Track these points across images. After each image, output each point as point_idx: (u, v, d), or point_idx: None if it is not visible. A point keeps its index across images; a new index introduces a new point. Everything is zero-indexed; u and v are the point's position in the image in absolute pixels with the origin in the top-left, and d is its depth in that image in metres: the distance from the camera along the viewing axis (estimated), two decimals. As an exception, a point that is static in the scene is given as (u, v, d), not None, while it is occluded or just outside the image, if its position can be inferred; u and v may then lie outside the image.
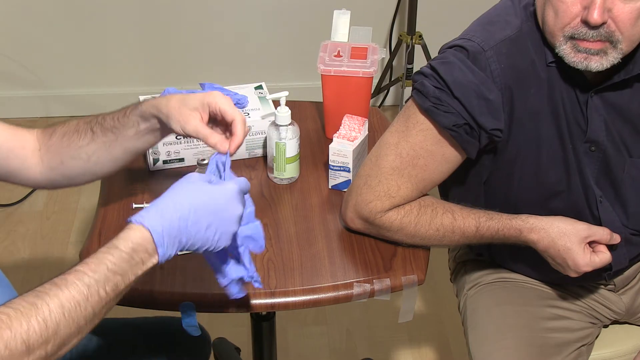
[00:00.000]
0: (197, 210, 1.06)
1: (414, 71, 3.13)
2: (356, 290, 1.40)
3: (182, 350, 1.54)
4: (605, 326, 1.64)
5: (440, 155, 1.39)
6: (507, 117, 1.37)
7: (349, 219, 1.48)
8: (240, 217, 1.11)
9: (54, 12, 3.08)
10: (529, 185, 1.45)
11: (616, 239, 1.43)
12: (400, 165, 1.40)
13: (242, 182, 1.12)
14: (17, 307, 0.96)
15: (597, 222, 1.46)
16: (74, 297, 0.98)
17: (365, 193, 1.43)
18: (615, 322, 1.64)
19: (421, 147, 1.39)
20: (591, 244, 1.43)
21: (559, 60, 1.34)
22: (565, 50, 1.31)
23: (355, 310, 2.44)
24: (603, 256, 1.41)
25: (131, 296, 1.34)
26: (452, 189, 1.54)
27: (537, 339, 1.50)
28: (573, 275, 1.43)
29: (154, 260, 1.05)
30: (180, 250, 1.07)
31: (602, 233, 1.42)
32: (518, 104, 1.37)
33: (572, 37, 1.29)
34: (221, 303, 1.38)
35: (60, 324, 0.97)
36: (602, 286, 1.59)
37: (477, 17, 1.45)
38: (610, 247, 1.44)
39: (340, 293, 1.40)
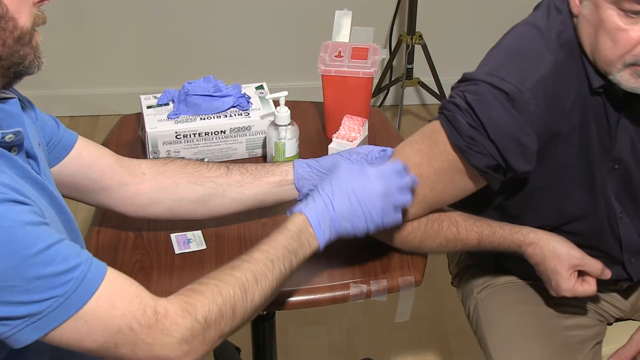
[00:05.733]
0: (339, 193, 1.22)
1: (414, 71, 3.16)
2: (353, 290, 1.39)
3: None
4: (609, 323, 1.64)
5: (462, 184, 1.36)
6: (537, 154, 1.34)
7: None
8: (386, 194, 1.24)
9: (54, 12, 3.07)
10: (546, 212, 1.44)
11: (607, 274, 1.44)
12: (417, 186, 1.36)
13: (387, 165, 1.26)
14: (220, 278, 1.12)
15: (617, 237, 1.46)
16: (262, 271, 1.15)
17: None
18: (618, 319, 1.64)
19: (444, 174, 1.34)
20: (583, 272, 1.44)
21: (604, 85, 1.32)
22: (624, 76, 1.27)
23: (356, 310, 2.44)
24: (588, 288, 1.43)
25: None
26: (460, 205, 1.50)
27: (558, 338, 1.49)
28: (553, 294, 1.45)
29: (316, 244, 1.22)
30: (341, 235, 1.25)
31: (593, 266, 1.43)
32: (555, 145, 1.35)
33: (632, 64, 1.26)
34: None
35: (255, 293, 1.13)
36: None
37: (486, 31, 1.43)
38: (627, 260, 1.46)
39: (337, 293, 1.39)
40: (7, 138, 1.04)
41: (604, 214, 1.44)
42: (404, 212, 1.36)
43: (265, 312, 1.68)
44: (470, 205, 1.46)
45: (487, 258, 1.60)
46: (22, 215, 0.96)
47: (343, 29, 1.75)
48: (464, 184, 1.35)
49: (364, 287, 1.40)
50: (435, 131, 1.33)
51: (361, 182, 1.23)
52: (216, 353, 2.16)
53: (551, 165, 1.38)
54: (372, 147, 1.38)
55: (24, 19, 1.04)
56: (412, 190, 1.29)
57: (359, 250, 1.47)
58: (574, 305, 1.56)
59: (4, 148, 1.04)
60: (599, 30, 1.26)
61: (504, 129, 1.27)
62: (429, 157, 1.33)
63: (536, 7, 1.44)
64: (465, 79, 1.34)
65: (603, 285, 1.51)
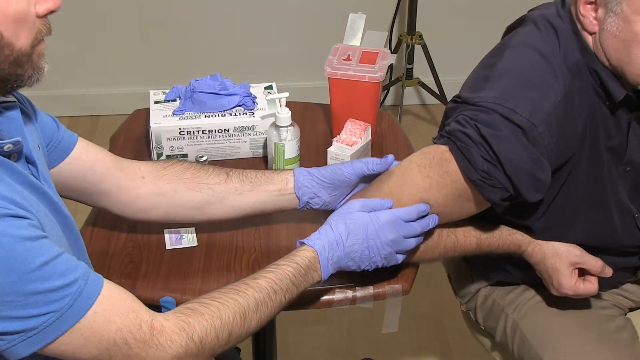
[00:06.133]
0: (351, 235, 1.25)
1: (414, 71, 3.15)
2: (337, 296, 1.38)
3: None
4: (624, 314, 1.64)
5: (468, 209, 1.35)
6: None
7: None
8: (394, 242, 1.27)
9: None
10: (555, 235, 1.43)
11: (608, 272, 1.44)
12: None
13: (400, 211, 1.28)
14: (223, 301, 1.13)
15: (636, 237, 1.46)
16: (264, 299, 1.16)
17: None
18: (631, 309, 1.64)
19: (452, 201, 1.33)
20: (584, 271, 1.44)
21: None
22: None
23: (356, 310, 2.44)
24: (589, 286, 1.43)
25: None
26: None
27: (616, 344, 1.48)
28: (555, 293, 1.45)
29: (318, 278, 1.25)
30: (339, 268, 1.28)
31: (593, 263, 1.43)
32: (564, 168, 1.35)
33: None
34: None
35: (252, 320, 1.15)
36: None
37: (492, 52, 1.40)
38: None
39: (321, 298, 1.38)
40: (5, 148, 1.04)
41: (614, 225, 1.43)
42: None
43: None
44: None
45: (515, 272, 1.57)
46: (21, 230, 0.97)
47: (356, 32, 1.74)
48: (469, 209, 1.34)
49: (350, 293, 1.39)
50: (446, 159, 1.30)
51: (374, 230, 1.26)
52: (216, 353, 2.16)
53: (564, 185, 1.37)
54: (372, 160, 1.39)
55: (22, 41, 1.02)
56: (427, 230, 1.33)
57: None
58: (603, 307, 1.55)
59: (3, 156, 1.04)
60: (632, 44, 1.26)
61: (521, 163, 1.25)
62: (439, 185, 1.31)
63: (521, 22, 1.42)
64: (470, 103, 1.31)
65: (622, 275, 1.51)
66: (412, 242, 1.30)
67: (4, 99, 1.09)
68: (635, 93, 1.35)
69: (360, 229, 1.25)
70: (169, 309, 1.34)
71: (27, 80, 1.06)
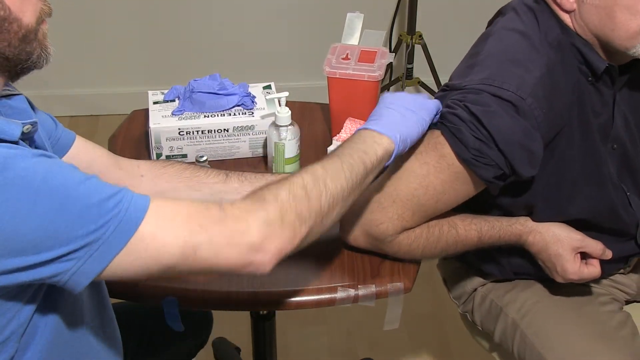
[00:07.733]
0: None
1: (414, 71, 3.15)
2: (340, 294, 1.38)
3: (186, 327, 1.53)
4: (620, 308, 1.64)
5: (465, 193, 1.35)
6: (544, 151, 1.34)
7: (352, 238, 1.41)
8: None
9: (55, 12, 3.08)
10: (553, 214, 1.43)
11: (608, 254, 1.44)
12: (422, 196, 1.34)
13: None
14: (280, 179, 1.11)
15: (631, 215, 1.47)
16: (328, 162, 1.18)
17: (377, 212, 1.36)
18: (627, 302, 1.65)
19: (450, 186, 1.34)
20: (585, 255, 1.44)
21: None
22: None
23: (356, 310, 2.44)
24: (593, 270, 1.43)
25: (116, 289, 1.34)
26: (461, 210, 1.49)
27: (619, 342, 1.48)
28: (560, 280, 1.45)
29: (384, 140, 1.24)
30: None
31: (594, 247, 1.43)
32: (556, 142, 1.35)
33: None
34: (204, 299, 1.37)
35: (326, 178, 1.14)
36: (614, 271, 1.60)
37: (480, 37, 1.43)
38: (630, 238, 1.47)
39: (323, 297, 1.38)
40: (25, 129, 1.03)
41: (612, 200, 1.44)
42: (410, 220, 1.36)
43: (265, 312, 1.69)
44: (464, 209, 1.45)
45: (507, 264, 1.57)
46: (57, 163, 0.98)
47: (354, 31, 1.75)
48: (466, 192, 1.35)
49: (352, 292, 1.38)
50: (440, 143, 1.31)
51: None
52: (216, 353, 2.16)
53: (559, 161, 1.38)
54: None
55: (28, 17, 1.04)
56: None
57: (349, 254, 1.45)
58: (602, 302, 1.55)
59: (22, 139, 1.03)
60: (614, 9, 1.28)
61: (512, 137, 1.27)
62: (436, 170, 1.32)
63: (500, 13, 1.44)
64: (456, 88, 1.33)
65: (611, 266, 1.51)
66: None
67: (9, 91, 1.10)
68: (621, 67, 1.37)
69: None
70: (171, 310, 1.35)
71: (37, 60, 1.07)
